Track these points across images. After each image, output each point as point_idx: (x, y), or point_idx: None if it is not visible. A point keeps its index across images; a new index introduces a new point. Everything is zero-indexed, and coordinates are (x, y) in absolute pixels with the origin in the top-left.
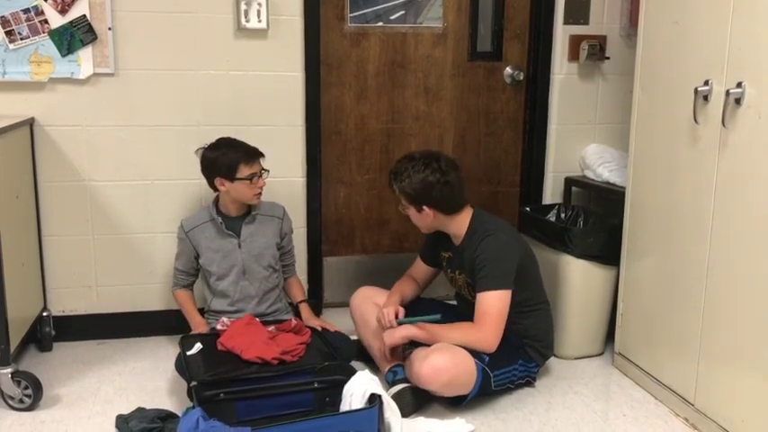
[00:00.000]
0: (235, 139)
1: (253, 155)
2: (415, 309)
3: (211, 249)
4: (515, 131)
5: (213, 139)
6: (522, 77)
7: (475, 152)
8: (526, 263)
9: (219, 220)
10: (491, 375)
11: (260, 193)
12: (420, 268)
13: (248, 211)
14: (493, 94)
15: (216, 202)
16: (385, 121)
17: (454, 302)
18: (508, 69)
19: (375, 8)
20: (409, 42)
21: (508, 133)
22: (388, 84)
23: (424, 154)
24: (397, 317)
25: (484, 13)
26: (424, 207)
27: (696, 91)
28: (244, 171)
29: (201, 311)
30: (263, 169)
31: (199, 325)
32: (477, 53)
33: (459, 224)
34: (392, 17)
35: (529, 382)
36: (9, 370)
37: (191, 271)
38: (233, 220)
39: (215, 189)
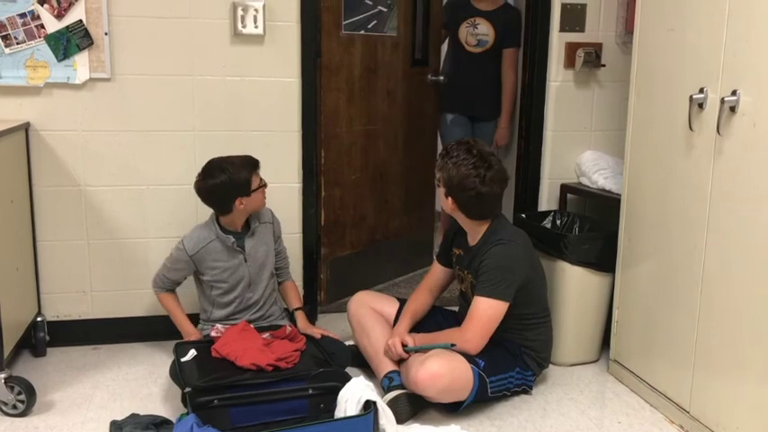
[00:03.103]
0: (227, 157)
1: (256, 163)
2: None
3: (219, 268)
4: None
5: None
6: None
7: None
8: (534, 277)
9: (232, 239)
10: (488, 381)
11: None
12: (437, 272)
13: (248, 225)
14: None
15: (217, 220)
16: (364, 123)
17: (454, 309)
18: None
19: (359, 17)
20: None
21: None
22: (366, 88)
23: (481, 154)
24: (405, 345)
25: None
26: (450, 198)
27: (691, 98)
28: (256, 181)
29: (190, 317)
30: None
31: (191, 335)
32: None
33: (477, 227)
34: (369, 26)
35: (525, 390)
36: (2, 375)
37: (180, 281)
38: (239, 237)
39: (229, 212)
